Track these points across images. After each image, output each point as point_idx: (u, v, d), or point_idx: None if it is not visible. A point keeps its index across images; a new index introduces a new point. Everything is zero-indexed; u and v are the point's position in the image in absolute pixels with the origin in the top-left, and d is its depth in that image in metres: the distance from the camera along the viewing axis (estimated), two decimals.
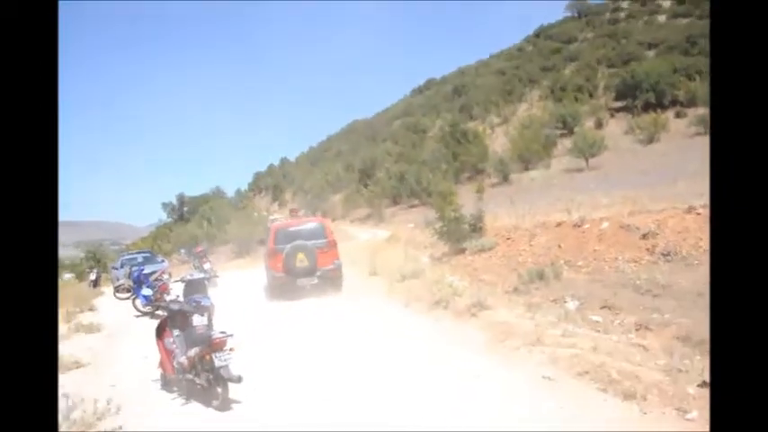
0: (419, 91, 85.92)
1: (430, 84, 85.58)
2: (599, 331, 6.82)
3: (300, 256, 11.65)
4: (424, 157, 40.17)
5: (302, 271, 11.75)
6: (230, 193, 77.89)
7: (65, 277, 28.89)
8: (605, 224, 10.27)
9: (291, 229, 12.34)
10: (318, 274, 11.90)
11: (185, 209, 57.94)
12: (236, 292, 14.63)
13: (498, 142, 40.40)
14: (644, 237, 9.31)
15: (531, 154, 32.32)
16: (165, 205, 60.72)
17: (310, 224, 12.60)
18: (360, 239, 23.82)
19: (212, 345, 6.16)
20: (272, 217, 30.36)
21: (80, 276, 29.74)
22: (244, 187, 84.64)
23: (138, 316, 13.38)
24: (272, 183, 73.95)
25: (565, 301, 8.08)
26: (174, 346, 6.92)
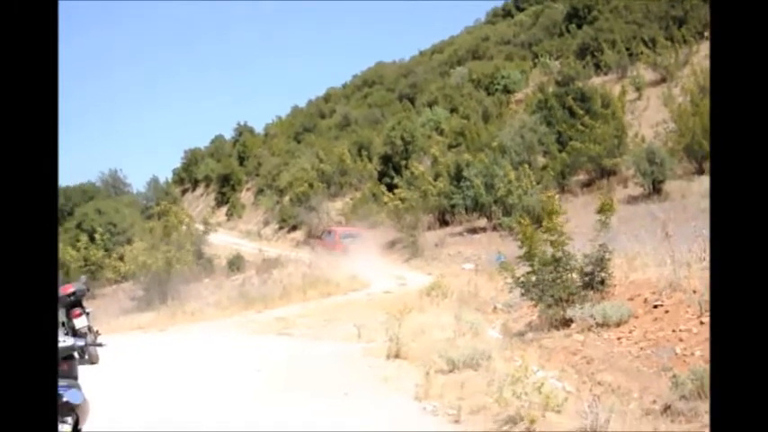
0: (502, 13, 51.06)
1: None
2: None
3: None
4: (503, 141, 23.97)
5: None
6: (138, 184, 53.03)
7: None
8: None
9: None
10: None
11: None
12: (135, 385, 7.55)
13: (649, 118, 24.18)
14: None
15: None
16: None
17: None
18: (373, 288, 15.21)
19: None
20: (218, 235, 29.70)
21: None
22: (164, 176, 55.05)
23: None
24: (217, 170, 47.21)
25: None
26: None
